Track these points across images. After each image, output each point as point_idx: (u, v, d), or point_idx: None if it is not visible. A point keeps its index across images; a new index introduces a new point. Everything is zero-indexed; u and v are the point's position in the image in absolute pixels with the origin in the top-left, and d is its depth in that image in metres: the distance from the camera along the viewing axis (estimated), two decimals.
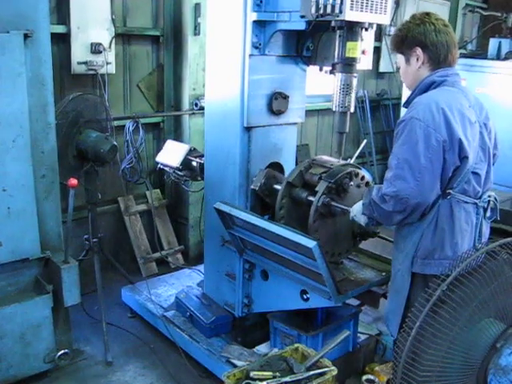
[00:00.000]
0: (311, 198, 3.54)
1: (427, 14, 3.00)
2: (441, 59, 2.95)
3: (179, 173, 4.59)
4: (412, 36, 2.96)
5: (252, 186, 3.89)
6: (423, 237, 2.90)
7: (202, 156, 4.37)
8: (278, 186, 3.79)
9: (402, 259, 2.99)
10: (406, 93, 7.22)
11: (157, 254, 5.83)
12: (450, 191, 2.84)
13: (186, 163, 4.53)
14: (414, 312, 2.21)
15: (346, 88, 3.39)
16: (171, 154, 4.64)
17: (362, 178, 3.63)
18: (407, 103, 3.00)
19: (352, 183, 3.56)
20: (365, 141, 4.57)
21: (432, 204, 2.84)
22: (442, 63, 2.96)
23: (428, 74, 2.97)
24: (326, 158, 3.82)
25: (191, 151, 4.57)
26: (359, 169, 3.65)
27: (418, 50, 2.95)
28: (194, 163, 4.48)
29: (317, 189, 3.50)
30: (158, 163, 4.77)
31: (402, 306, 2.97)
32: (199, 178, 4.56)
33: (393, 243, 3.16)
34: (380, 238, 3.86)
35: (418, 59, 2.97)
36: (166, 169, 4.69)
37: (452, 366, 2.20)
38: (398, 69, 3.17)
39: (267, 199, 3.88)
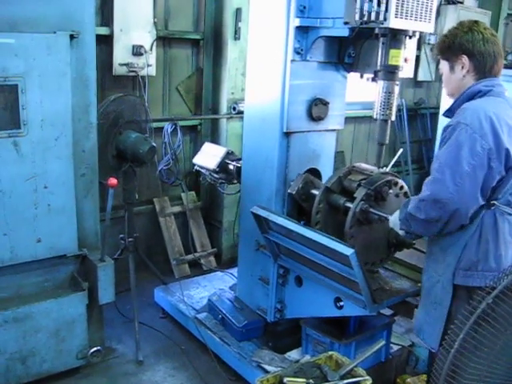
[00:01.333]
0: (349, 205, 3.52)
1: (476, 22, 2.95)
2: (486, 69, 2.91)
3: (215, 175, 4.60)
4: (459, 43, 2.91)
5: (289, 190, 3.88)
6: (466, 248, 2.84)
7: (239, 160, 4.38)
8: (315, 191, 3.77)
9: (442, 270, 2.93)
10: (444, 102, 7.14)
11: (190, 256, 5.86)
12: (495, 202, 2.79)
13: (222, 166, 4.54)
14: (458, 324, 2.16)
15: (388, 96, 3.37)
16: (208, 157, 4.66)
17: (401, 187, 3.60)
18: (449, 111, 2.96)
19: (391, 191, 3.53)
20: (401, 149, 4.53)
21: (475, 214, 2.79)
22: (488, 73, 2.92)
23: (473, 83, 2.93)
24: (365, 165, 3.79)
25: (228, 154, 4.58)
26: (398, 178, 3.62)
27: (464, 58, 2.91)
28: (231, 166, 4.48)
29: (355, 195, 3.48)
30: (194, 165, 4.78)
31: (443, 318, 2.92)
32: (235, 182, 4.57)
33: (426, 253, 3.11)
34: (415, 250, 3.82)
35: (463, 67, 2.93)
36: (203, 171, 4.71)
37: (495, 382, 2.15)
38: (440, 76, 3.13)
39: (304, 204, 3.87)
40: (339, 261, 3.23)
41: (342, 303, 3.49)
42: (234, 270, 4.87)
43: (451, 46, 2.94)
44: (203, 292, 4.92)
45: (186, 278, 5.46)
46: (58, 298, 3.77)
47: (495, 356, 2.13)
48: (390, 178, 3.55)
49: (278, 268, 3.90)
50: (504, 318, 2.14)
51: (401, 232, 3.07)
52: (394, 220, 3.11)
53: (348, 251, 3.04)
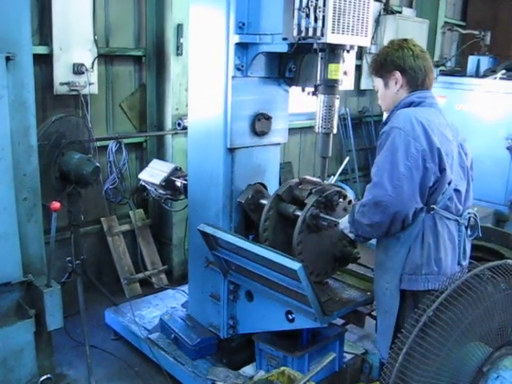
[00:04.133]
0: (298, 213, 3.55)
1: (405, 40, 3.11)
2: (418, 83, 3.06)
3: (161, 191, 4.57)
4: (391, 60, 3.06)
5: (239, 199, 3.88)
6: (411, 252, 2.93)
7: (187, 176, 4.36)
8: (264, 201, 3.79)
9: (389, 278, 3.00)
10: None
11: (140, 275, 5.80)
12: (434, 206, 2.89)
13: (169, 182, 4.51)
14: (404, 333, 2.20)
15: (329, 109, 3.41)
16: (155, 172, 4.63)
17: (350, 201, 3.65)
18: (386, 124, 3.05)
19: (341, 201, 3.57)
20: (347, 158, 4.61)
21: (417, 218, 2.88)
22: (420, 87, 3.07)
23: (405, 96, 3.06)
24: (314, 178, 3.83)
25: (176, 170, 4.56)
26: (347, 192, 3.69)
27: (397, 74, 3.05)
28: (178, 183, 4.46)
29: (306, 201, 3.53)
30: (139, 180, 4.75)
31: (392, 325, 2.98)
32: (181, 198, 4.55)
33: (375, 264, 3.18)
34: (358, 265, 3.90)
35: (396, 82, 3.07)
36: (148, 186, 4.67)
37: None
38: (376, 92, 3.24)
39: (252, 215, 3.87)
40: (288, 275, 3.25)
41: (293, 316, 3.51)
42: (186, 287, 4.82)
43: (383, 64, 3.09)
44: (155, 311, 4.86)
45: (137, 297, 5.39)
46: (3, 327, 3.64)
47: (440, 364, 2.18)
48: (339, 189, 3.62)
49: (229, 284, 3.89)
50: (448, 325, 2.19)
51: (350, 235, 3.14)
52: (344, 222, 3.17)
53: (296, 266, 3.06)
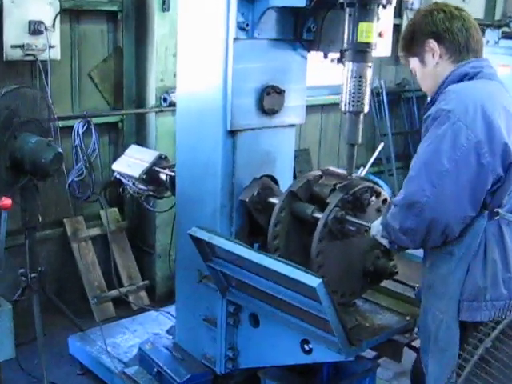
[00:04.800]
0: (318, 215, 3.53)
1: (434, 3, 3.14)
2: (461, 47, 3.02)
3: (141, 186, 4.58)
4: (420, 29, 3.06)
5: (241, 197, 3.88)
6: (470, 272, 2.87)
7: (174, 167, 4.37)
8: (274, 200, 3.79)
9: (444, 307, 2.95)
10: None
11: (114, 292, 5.80)
12: (499, 210, 2.82)
13: (151, 174, 4.53)
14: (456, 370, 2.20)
15: (359, 82, 3.39)
16: (133, 162, 4.64)
17: (385, 200, 3.64)
18: (432, 103, 3.02)
19: (373, 200, 3.57)
20: (381, 144, 4.60)
21: (474, 225, 2.83)
22: (464, 53, 3.03)
23: (453, 68, 3.02)
24: (339, 170, 3.83)
25: (160, 159, 4.57)
26: (382, 189, 3.68)
27: (432, 43, 3.03)
28: (163, 176, 4.47)
29: (328, 200, 3.50)
30: (114, 172, 4.76)
31: (452, 367, 2.94)
32: (167, 195, 4.55)
33: (422, 285, 3.16)
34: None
35: (433, 54, 3.05)
36: (125, 180, 4.68)
37: None
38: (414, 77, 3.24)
39: (259, 217, 3.88)
40: (304, 294, 3.24)
41: (310, 346, 3.50)
42: (172, 309, 4.84)
43: (413, 37, 3.09)
44: (133, 339, 4.89)
45: (109, 320, 5.43)
46: None
47: None
48: (371, 185, 3.60)
49: (228, 305, 3.89)
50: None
51: (384, 241, 3.12)
52: (377, 226, 3.16)
53: (314, 282, 3.06)
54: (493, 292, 2.87)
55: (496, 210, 2.83)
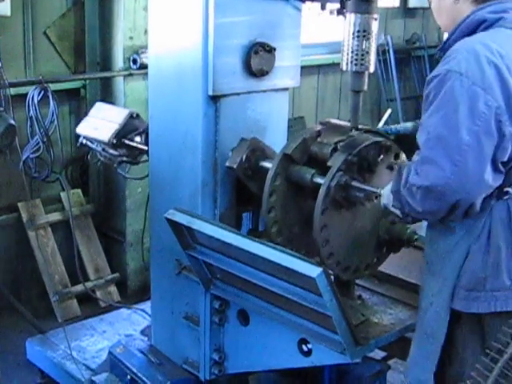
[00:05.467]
0: (319, 180, 3.51)
1: None
2: None
3: (112, 151, 4.56)
4: None
5: (228, 164, 3.85)
6: (470, 257, 2.91)
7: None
8: (267, 164, 3.76)
9: (437, 287, 3.00)
10: None
11: (79, 287, 5.82)
12: (509, 189, 2.85)
13: (123, 137, 4.50)
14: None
15: (363, 36, 3.38)
16: (101, 124, 4.62)
17: (397, 155, 3.59)
18: (443, 50, 3.03)
19: (382, 157, 3.52)
20: (389, 110, 4.62)
21: (481, 205, 2.83)
22: None
23: (472, 10, 2.99)
24: (341, 122, 3.79)
25: (132, 119, 4.53)
26: (392, 142, 3.61)
27: None
28: (137, 138, 4.46)
29: (329, 163, 3.45)
30: (79, 137, 4.73)
31: (436, 354, 2.99)
32: (144, 159, 4.54)
33: (424, 259, 3.18)
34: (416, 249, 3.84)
35: None
36: (92, 145, 4.66)
37: None
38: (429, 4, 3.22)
39: (250, 184, 3.85)
40: (302, 286, 3.24)
41: (309, 347, 3.51)
42: (147, 306, 4.85)
43: None
44: (101, 341, 4.90)
45: (74, 320, 5.44)
46: None
47: None
48: (379, 139, 3.54)
49: (212, 300, 3.89)
50: None
51: (396, 211, 3.09)
52: (387, 194, 3.13)
53: (314, 271, 3.04)
54: (494, 281, 2.89)
55: (505, 188, 2.86)
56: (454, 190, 2.71)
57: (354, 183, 3.41)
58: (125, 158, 4.60)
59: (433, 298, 3.01)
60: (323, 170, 3.49)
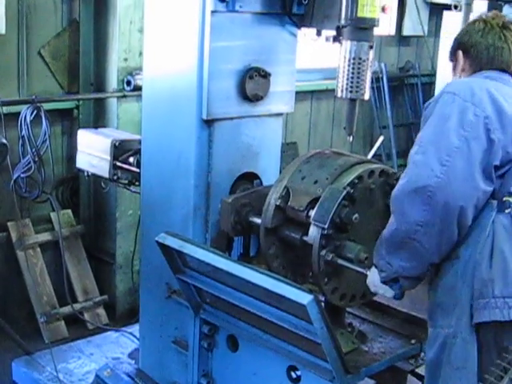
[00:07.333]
0: (308, 239, 3.50)
1: (494, 12, 3.31)
2: (483, 64, 3.17)
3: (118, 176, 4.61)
4: (457, 37, 3.26)
5: (222, 227, 3.89)
6: (476, 268, 2.93)
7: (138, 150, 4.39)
8: (257, 220, 3.76)
9: (454, 319, 3.00)
10: (442, 66, 7.26)
11: (67, 309, 5.80)
12: (509, 199, 2.92)
13: (120, 167, 4.56)
14: None
15: (358, 63, 3.40)
16: (94, 159, 4.65)
17: (381, 172, 3.54)
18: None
19: (356, 216, 3.44)
20: (381, 137, 4.64)
21: (482, 218, 2.92)
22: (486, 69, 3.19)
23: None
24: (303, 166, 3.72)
25: (116, 149, 4.53)
26: (374, 163, 3.64)
27: (459, 55, 3.24)
28: (131, 159, 4.51)
29: (308, 240, 3.45)
30: (72, 159, 4.76)
31: None
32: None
33: (430, 309, 3.19)
34: None
35: (461, 66, 3.25)
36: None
37: None
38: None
39: (246, 238, 3.96)
40: (292, 312, 3.24)
41: (298, 374, 3.51)
42: (135, 329, 4.83)
43: (453, 45, 3.30)
44: (88, 364, 4.89)
45: (61, 342, 5.42)
46: None
47: None
48: (353, 177, 3.45)
49: (201, 324, 3.87)
50: None
51: (389, 293, 3.17)
52: (372, 276, 3.20)
53: (305, 299, 3.04)
54: (503, 285, 2.90)
55: (505, 199, 2.93)
56: (443, 190, 2.79)
57: (340, 261, 3.41)
58: (129, 180, 4.63)
59: (454, 330, 3.00)
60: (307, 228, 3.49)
